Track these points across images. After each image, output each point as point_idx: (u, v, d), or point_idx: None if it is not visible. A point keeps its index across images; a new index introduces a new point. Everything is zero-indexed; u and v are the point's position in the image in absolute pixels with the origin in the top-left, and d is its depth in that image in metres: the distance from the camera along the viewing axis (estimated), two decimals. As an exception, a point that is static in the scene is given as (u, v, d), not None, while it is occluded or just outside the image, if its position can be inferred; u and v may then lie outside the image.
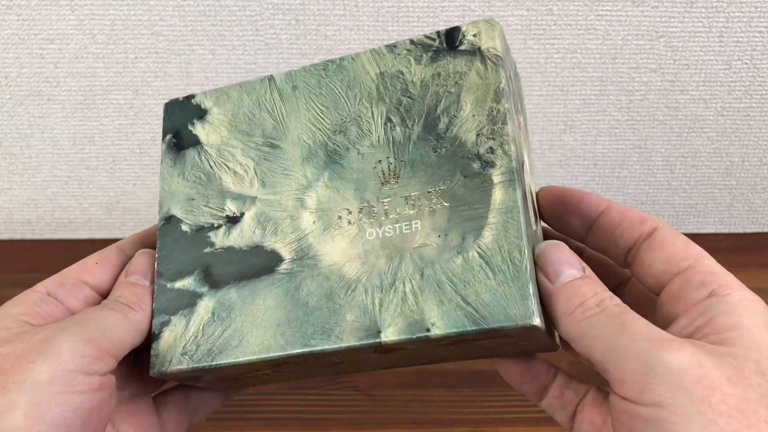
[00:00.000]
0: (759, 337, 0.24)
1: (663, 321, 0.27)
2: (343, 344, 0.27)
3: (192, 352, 0.29)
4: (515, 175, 0.27)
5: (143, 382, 0.33)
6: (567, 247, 0.28)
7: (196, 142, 0.33)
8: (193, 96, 0.34)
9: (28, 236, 0.64)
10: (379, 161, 0.29)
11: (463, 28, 0.30)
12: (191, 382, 0.31)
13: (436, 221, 0.28)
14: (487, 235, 0.27)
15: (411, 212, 0.28)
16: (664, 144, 0.61)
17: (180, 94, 0.59)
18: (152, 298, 0.31)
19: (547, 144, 0.61)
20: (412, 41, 0.31)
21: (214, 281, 0.30)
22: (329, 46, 0.56)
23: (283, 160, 0.31)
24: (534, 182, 0.33)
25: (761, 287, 0.60)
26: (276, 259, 0.29)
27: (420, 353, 0.28)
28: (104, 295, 0.32)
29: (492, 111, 0.28)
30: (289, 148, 0.31)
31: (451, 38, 0.30)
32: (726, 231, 0.66)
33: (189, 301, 0.30)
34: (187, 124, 0.33)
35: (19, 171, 0.61)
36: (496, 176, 0.28)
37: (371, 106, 0.30)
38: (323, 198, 0.30)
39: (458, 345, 0.27)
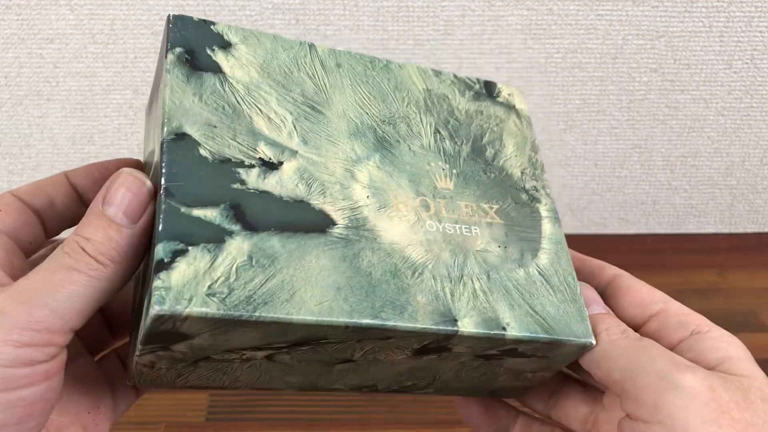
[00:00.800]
0: (752, 367, 0.25)
1: None
2: (419, 325, 0.24)
3: (223, 295, 0.22)
4: (557, 214, 0.30)
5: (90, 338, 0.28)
6: (593, 289, 0.30)
7: (217, 69, 0.27)
8: (212, 23, 0.28)
9: (28, 236, 0.64)
10: (431, 163, 0.29)
11: (499, 86, 0.33)
12: (160, 345, 0.24)
13: (495, 233, 0.28)
14: (543, 258, 0.29)
15: (469, 218, 0.28)
16: (665, 144, 0.61)
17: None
18: (134, 242, 0.24)
19: (547, 144, 0.61)
20: (455, 75, 0.32)
21: (248, 222, 0.24)
22: (329, 46, 0.56)
23: (327, 127, 0.28)
24: None
25: (762, 287, 0.60)
26: (327, 220, 0.25)
27: (438, 367, 0.28)
28: (20, 246, 0.26)
29: (531, 158, 0.31)
30: (333, 118, 0.28)
31: (489, 88, 0.33)
32: (726, 231, 0.66)
33: (215, 235, 0.23)
34: (206, 47, 0.27)
35: (19, 171, 0.61)
36: (543, 210, 0.30)
37: (419, 113, 0.30)
38: (376, 177, 0.27)
39: (484, 360, 0.28)
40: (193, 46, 0.27)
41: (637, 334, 0.27)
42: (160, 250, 0.22)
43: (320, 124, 0.28)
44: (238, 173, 0.25)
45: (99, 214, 0.23)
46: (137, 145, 0.60)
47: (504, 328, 0.26)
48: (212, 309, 0.22)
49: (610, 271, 0.30)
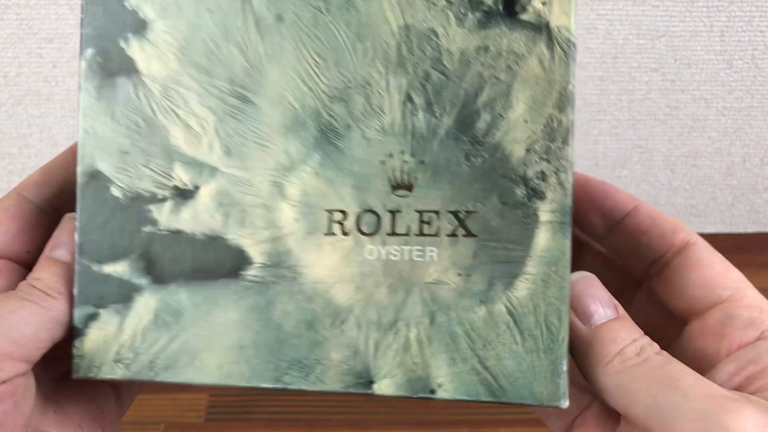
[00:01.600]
0: None
1: (695, 354, 0.24)
2: (325, 388, 0.22)
3: (129, 361, 0.23)
4: (567, 217, 0.22)
5: None
6: (598, 282, 0.24)
7: (130, 68, 0.23)
8: None
9: (27, 236, 0.64)
10: (391, 155, 0.23)
11: None
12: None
13: (458, 254, 0.22)
14: (522, 288, 0.22)
15: (427, 235, 0.22)
16: (665, 144, 0.61)
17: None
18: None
19: (547, 144, 0.60)
20: None
21: (157, 274, 0.23)
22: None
23: (257, 123, 0.23)
24: None
25: (763, 287, 0.60)
26: (242, 259, 0.23)
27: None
28: (14, 259, 0.26)
29: (551, 121, 0.22)
30: (266, 108, 0.23)
31: (510, 2, 0.22)
32: (727, 231, 0.66)
33: (124, 293, 0.23)
34: (118, 38, 0.23)
35: (18, 171, 0.61)
36: (544, 212, 0.22)
37: (387, 73, 0.22)
38: (311, 189, 0.23)
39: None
40: (106, 42, 0.23)
41: (657, 349, 0.22)
42: (75, 316, 0.24)
43: (249, 122, 0.23)
44: (150, 212, 0.23)
45: (47, 257, 0.25)
46: (137, 145, 0.60)
47: (433, 391, 0.22)
48: (118, 375, 0.23)
49: (682, 235, 0.25)
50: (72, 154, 0.27)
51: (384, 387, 0.22)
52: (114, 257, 0.23)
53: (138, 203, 0.23)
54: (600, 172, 0.62)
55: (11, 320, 0.23)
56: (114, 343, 0.23)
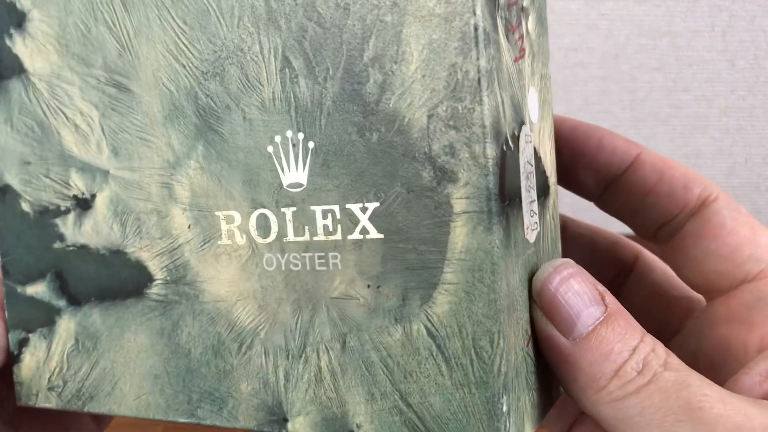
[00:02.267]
0: None
1: (716, 346, 0.19)
2: (238, 425, 0.20)
3: (59, 389, 0.22)
4: (491, 203, 0.16)
5: None
6: (577, 268, 0.18)
7: (19, 68, 0.21)
8: None
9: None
10: (276, 137, 0.18)
11: None
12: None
13: (364, 260, 0.18)
14: (442, 302, 0.17)
15: (327, 238, 0.18)
16: (667, 143, 0.61)
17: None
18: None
19: (549, 143, 0.60)
20: None
21: (72, 294, 0.22)
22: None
23: (137, 114, 0.20)
24: (550, 137, 0.21)
25: (765, 287, 0.60)
26: (144, 275, 0.21)
27: None
28: None
29: (455, 72, 0.16)
30: (143, 94, 0.20)
31: None
32: (729, 231, 0.65)
33: (46, 316, 0.22)
34: (3, 36, 0.21)
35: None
36: (458, 200, 0.16)
37: (258, 32, 0.18)
38: (199, 188, 0.19)
39: None
40: None
41: (670, 365, 0.16)
42: (10, 342, 0.23)
43: (130, 113, 0.20)
44: (56, 226, 0.22)
45: None
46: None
47: None
48: (53, 403, 0.22)
49: (698, 191, 0.20)
50: None
51: (299, 426, 0.19)
52: (33, 277, 0.22)
53: (45, 217, 0.22)
54: (601, 171, 0.62)
55: None
56: (45, 369, 0.22)
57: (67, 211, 0.21)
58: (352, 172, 0.17)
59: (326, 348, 0.18)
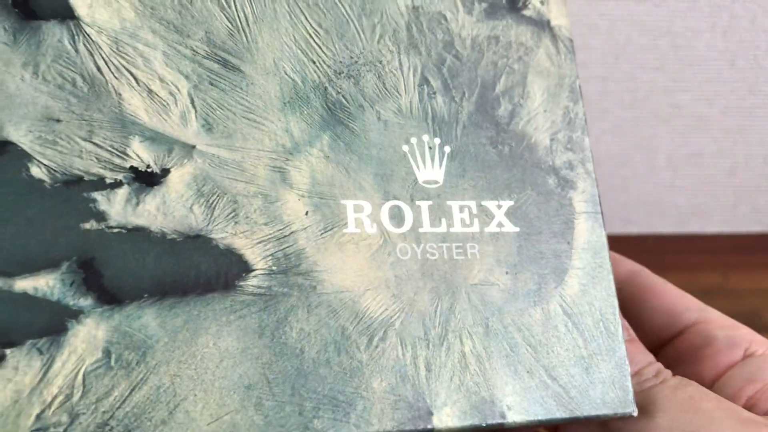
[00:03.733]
0: None
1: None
2: (372, 429, 0.17)
3: (63, 427, 0.15)
4: (598, 206, 0.21)
5: None
6: None
7: (66, 12, 0.18)
8: None
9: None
10: (412, 139, 0.20)
11: None
12: None
13: (502, 250, 0.19)
14: (573, 284, 0.20)
15: (464, 230, 0.19)
16: (668, 143, 0.61)
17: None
18: None
19: (549, 143, 0.60)
20: None
21: (107, 290, 0.16)
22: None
23: (246, 95, 0.19)
24: None
25: (765, 288, 0.60)
26: (238, 265, 0.17)
27: None
28: None
29: (569, 112, 0.21)
30: (257, 77, 0.19)
31: None
32: (730, 231, 0.65)
33: (51, 321, 0.16)
34: None
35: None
36: (579, 202, 0.21)
37: (398, 52, 0.20)
38: (322, 177, 0.18)
39: None
40: None
41: (677, 377, 0.21)
42: None
43: (236, 91, 0.18)
44: (94, 202, 0.17)
45: None
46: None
47: (503, 415, 0.18)
48: None
49: (626, 266, 0.24)
50: None
51: (446, 418, 0.17)
52: (33, 267, 0.16)
53: (74, 189, 0.17)
54: (602, 171, 0.62)
55: None
56: (34, 400, 0.15)
57: (117, 184, 0.17)
58: (486, 176, 0.20)
59: (469, 333, 0.18)
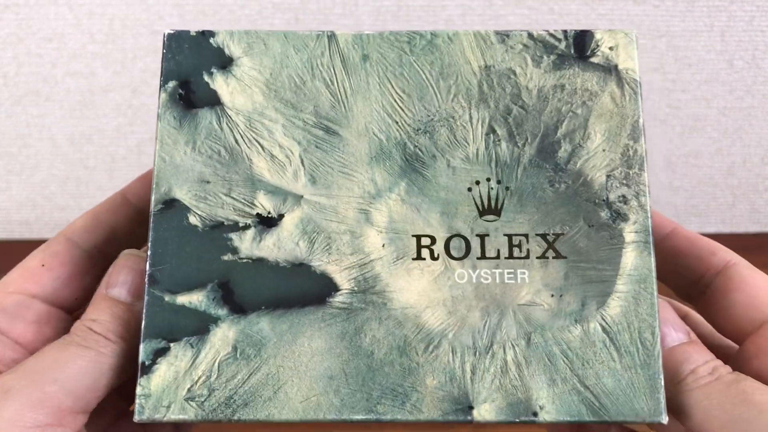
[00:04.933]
0: None
1: (753, 377, 0.23)
2: (422, 417, 0.21)
3: (203, 399, 0.22)
4: (650, 237, 0.22)
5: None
6: (670, 307, 0.24)
7: (215, 101, 0.24)
8: (212, 33, 0.25)
9: (26, 236, 0.64)
10: (477, 182, 0.23)
11: (597, 36, 0.25)
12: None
13: (549, 276, 0.22)
14: (614, 306, 0.22)
15: (517, 258, 0.22)
16: (666, 143, 0.61)
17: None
18: (140, 316, 0.23)
19: (548, 143, 0.60)
20: (530, 35, 0.24)
21: (237, 303, 0.23)
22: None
23: (342, 154, 0.23)
24: None
25: (763, 287, 0.60)
26: (329, 286, 0.22)
27: None
28: (62, 306, 0.24)
29: (628, 150, 0.23)
30: (352, 139, 0.24)
31: (581, 43, 0.24)
32: (728, 231, 0.66)
33: (199, 325, 0.22)
34: (203, 72, 0.24)
35: (17, 171, 0.61)
36: (629, 233, 0.23)
37: (470, 108, 0.24)
38: (397, 216, 0.23)
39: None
40: (189, 75, 0.24)
41: (734, 373, 0.22)
42: (142, 352, 0.22)
43: (334, 152, 0.24)
44: (230, 240, 0.23)
45: (103, 296, 0.23)
46: (136, 146, 0.60)
47: (535, 414, 0.21)
48: (190, 415, 0.22)
49: (722, 256, 0.25)
50: (121, 197, 0.26)
51: (484, 412, 0.21)
52: (189, 287, 0.23)
53: (217, 231, 0.23)
54: (600, 172, 0.62)
55: (70, 371, 0.21)
56: (186, 379, 0.22)
57: (246, 227, 0.23)
58: (541, 210, 0.23)
59: (512, 345, 0.21)
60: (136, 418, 0.22)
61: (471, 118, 0.24)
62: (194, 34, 0.25)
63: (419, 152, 0.23)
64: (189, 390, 0.22)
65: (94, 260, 0.25)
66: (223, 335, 0.22)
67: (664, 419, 0.21)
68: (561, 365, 0.21)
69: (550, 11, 0.55)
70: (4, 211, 0.63)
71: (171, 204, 0.23)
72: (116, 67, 0.57)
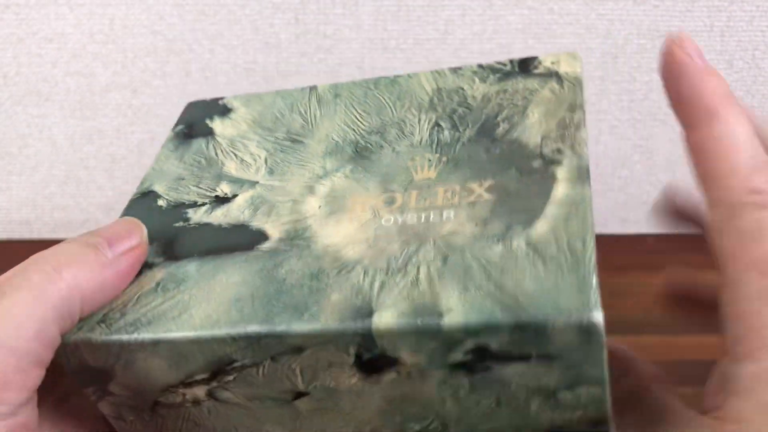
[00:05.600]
0: None
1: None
2: (317, 326, 0.20)
3: (112, 321, 0.22)
4: (587, 173, 0.22)
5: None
6: (687, 36, 0.22)
7: (208, 133, 0.29)
8: (222, 98, 0.31)
9: (27, 236, 0.64)
10: (415, 158, 0.25)
11: (540, 58, 0.27)
12: (96, 386, 0.23)
13: (476, 212, 0.22)
14: (541, 226, 0.21)
15: (445, 202, 0.23)
16: (666, 143, 0.61)
17: (179, 94, 0.59)
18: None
19: (547, 144, 0.60)
20: (480, 65, 0.28)
21: (173, 254, 0.24)
22: (329, 45, 0.56)
23: (302, 153, 0.27)
24: None
25: (763, 288, 0.60)
26: (260, 238, 0.24)
27: (423, 397, 0.21)
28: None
29: (564, 120, 0.24)
30: (312, 144, 0.27)
31: (525, 65, 0.27)
32: (728, 231, 0.65)
33: (142, 270, 0.24)
34: (205, 119, 0.30)
35: (17, 171, 0.61)
36: (561, 172, 0.22)
37: (419, 113, 0.27)
38: (339, 186, 0.25)
39: (469, 376, 0.20)
40: (194, 121, 0.30)
41: None
42: None
43: (295, 153, 0.27)
44: (186, 213, 0.26)
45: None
46: (136, 145, 0.60)
47: (441, 314, 0.19)
48: (95, 335, 0.22)
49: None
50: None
51: (384, 317, 0.20)
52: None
53: (178, 209, 0.26)
54: (600, 172, 0.62)
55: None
56: (106, 308, 0.22)
57: (203, 204, 0.26)
58: (474, 168, 0.24)
59: (427, 265, 0.21)
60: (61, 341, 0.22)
61: (419, 120, 0.26)
62: (209, 100, 0.31)
63: (369, 145, 0.26)
64: (104, 315, 0.22)
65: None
66: (152, 275, 0.23)
67: (597, 317, 0.18)
68: (477, 275, 0.20)
69: (550, 11, 0.55)
70: (4, 211, 0.63)
71: (147, 194, 0.27)
72: (116, 67, 0.57)
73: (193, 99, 0.32)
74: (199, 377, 0.22)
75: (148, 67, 0.57)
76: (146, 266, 0.24)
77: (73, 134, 0.59)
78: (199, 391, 0.23)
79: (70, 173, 0.61)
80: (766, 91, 0.59)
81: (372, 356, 0.20)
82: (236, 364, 0.22)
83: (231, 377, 0.22)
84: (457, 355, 0.20)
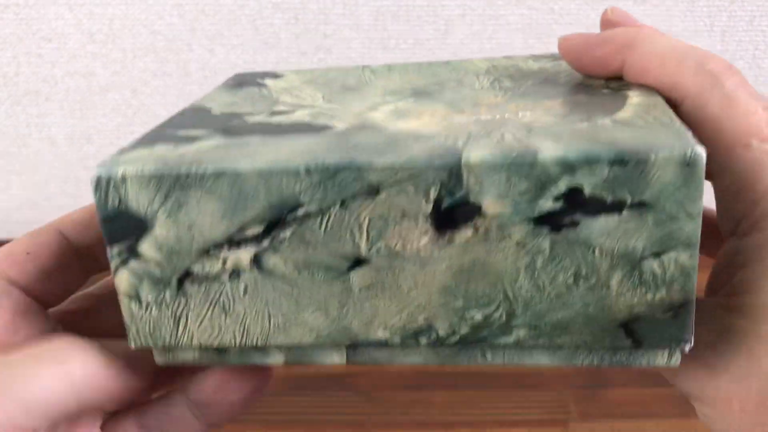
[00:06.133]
0: None
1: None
2: (402, 158, 0.19)
3: (169, 154, 0.21)
4: (658, 94, 0.22)
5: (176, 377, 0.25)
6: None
7: (261, 84, 0.29)
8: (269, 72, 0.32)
9: (26, 236, 0.64)
10: (479, 94, 0.25)
11: None
12: (126, 242, 0.21)
13: (552, 112, 0.22)
14: (627, 111, 0.21)
15: (521, 110, 0.22)
16: (666, 144, 0.61)
17: (179, 94, 0.59)
18: None
19: (548, 144, 0.60)
20: (532, 55, 0.30)
21: (228, 131, 0.23)
22: (329, 45, 0.56)
23: (360, 93, 0.26)
24: None
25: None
26: (323, 127, 0.22)
27: (495, 266, 0.20)
28: (40, 299, 0.23)
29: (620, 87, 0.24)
30: (369, 90, 0.27)
31: None
32: (728, 231, 0.66)
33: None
34: (257, 79, 0.30)
35: (17, 170, 0.61)
36: (632, 93, 0.22)
37: (477, 77, 0.27)
38: (402, 108, 0.24)
39: (552, 233, 0.19)
40: (246, 81, 0.30)
41: None
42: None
43: (354, 93, 0.26)
44: (243, 117, 0.24)
45: None
46: (136, 145, 0.60)
47: (537, 149, 0.19)
48: (149, 167, 0.20)
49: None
50: None
51: (476, 150, 0.19)
52: (191, 126, 0.24)
53: (234, 116, 0.25)
54: (600, 172, 0.62)
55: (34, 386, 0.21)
56: (159, 150, 0.21)
57: (260, 114, 0.25)
58: (542, 93, 0.24)
59: (511, 130, 0.21)
60: (94, 173, 0.21)
61: (478, 78, 0.27)
62: (257, 71, 0.32)
63: (428, 90, 0.26)
64: (159, 155, 0.21)
65: (82, 258, 0.24)
66: (206, 144, 0.23)
67: (701, 150, 0.18)
68: (566, 135, 0.19)
69: (550, 11, 0.55)
70: (4, 211, 0.63)
71: (198, 108, 0.27)
72: (116, 67, 0.57)
73: (192, 99, 0.31)
74: (252, 231, 0.20)
75: (147, 66, 0.57)
76: (196, 139, 0.22)
77: (72, 134, 0.59)
78: (245, 255, 0.21)
79: (70, 173, 0.61)
80: (766, 92, 0.59)
81: (453, 203, 0.19)
82: (299, 212, 0.20)
83: (288, 232, 0.20)
84: (547, 203, 0.19)
